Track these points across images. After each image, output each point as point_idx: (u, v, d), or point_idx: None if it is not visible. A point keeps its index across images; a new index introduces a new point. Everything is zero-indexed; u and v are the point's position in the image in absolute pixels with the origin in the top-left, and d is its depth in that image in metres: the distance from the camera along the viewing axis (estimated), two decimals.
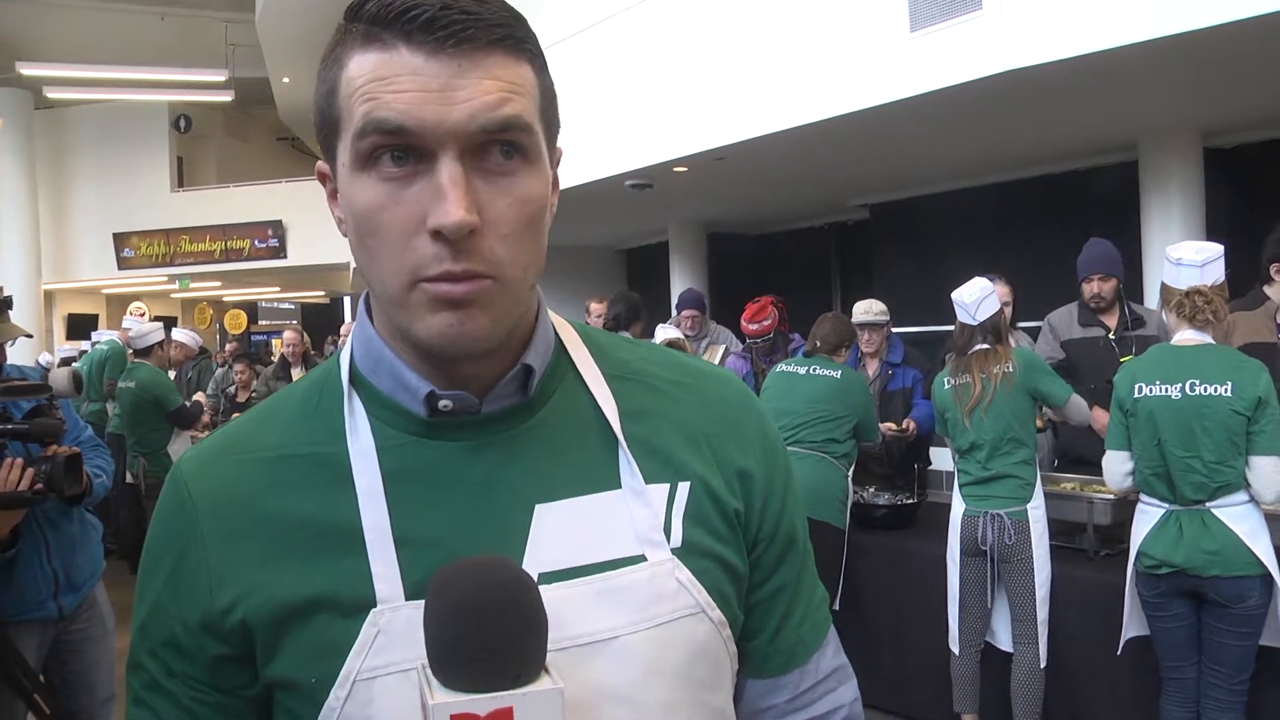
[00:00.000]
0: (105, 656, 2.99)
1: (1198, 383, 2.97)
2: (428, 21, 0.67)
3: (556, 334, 0.85)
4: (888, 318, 4.95)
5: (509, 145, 0.70)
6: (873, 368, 4.99)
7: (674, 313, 6.99)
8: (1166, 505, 3.05)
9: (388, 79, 0.68)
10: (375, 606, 0.73)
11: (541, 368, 0.81)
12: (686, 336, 6.33)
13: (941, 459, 4.74)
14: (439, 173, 0.68)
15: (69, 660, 2.88)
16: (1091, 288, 4.31)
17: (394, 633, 0.72)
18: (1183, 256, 3.11)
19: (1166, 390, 3.03)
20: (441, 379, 0.77)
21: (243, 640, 0.76)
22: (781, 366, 4.43)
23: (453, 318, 0.70)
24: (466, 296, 0.70)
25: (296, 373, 7.38)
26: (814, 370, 4.23)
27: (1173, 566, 2.99)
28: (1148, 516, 3.11)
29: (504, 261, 0.71)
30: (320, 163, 0.79)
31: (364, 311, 0.82)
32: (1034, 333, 4.87)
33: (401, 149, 0.69)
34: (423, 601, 0.68)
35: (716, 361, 5.56)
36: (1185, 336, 3.07)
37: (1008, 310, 4.39)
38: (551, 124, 0.77)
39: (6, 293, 3.04)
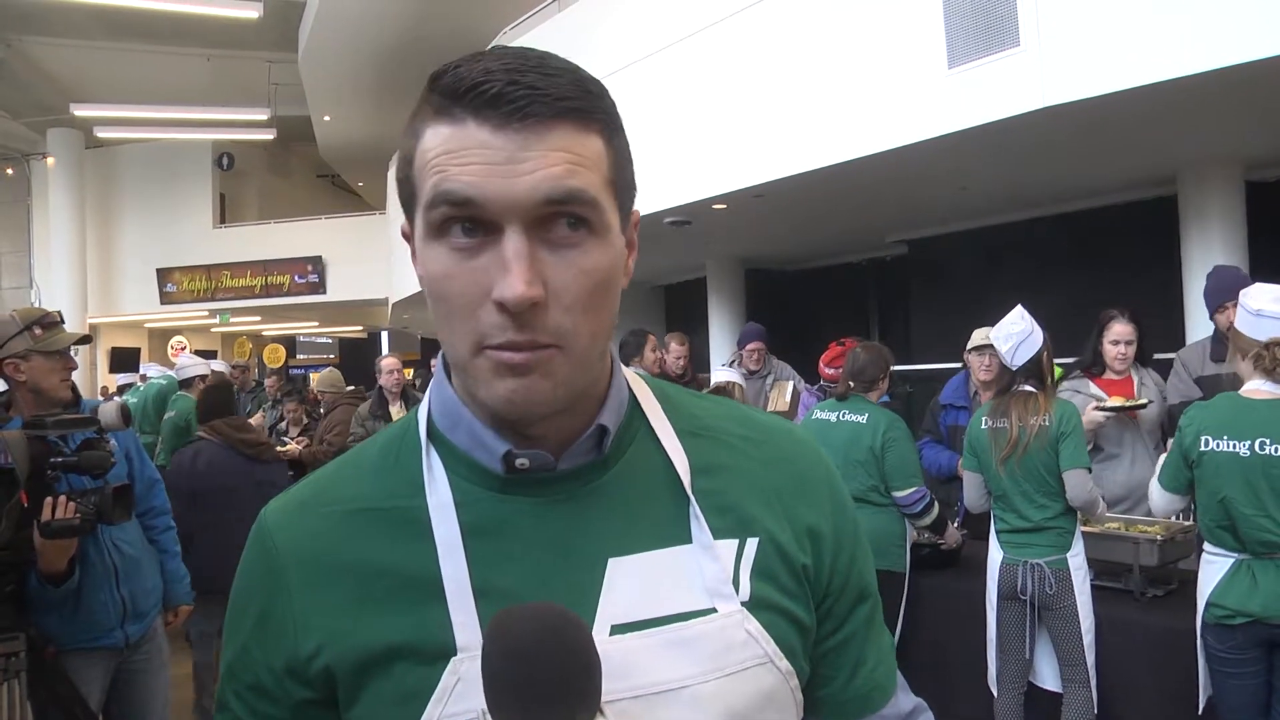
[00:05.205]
0: (162, 688, 3.03)
1: (1267, 442, 2.84)
2: (494, 97, 0.69)
3: (630, 390, 0.87)
4: None
5: (574, 218, 0.71)
6: (988, 399, 4.73)
7: (734, 348, 6.86)
8: (1235, 555, 2.92)
9: (456, 152, 0.70)
10: (455, 655, 0.75)
11: (615, 426, 0.83)
12: (751, 372, 6.18)
13: None
14: (505, 245, 0.70)
15: (127, 691, 2.92)
16: (1226, 317, 3.93)
17: (473, 680, 0.72)
18: (1263, 308, 2.98)
19: (1235, 446, 2.90)
20: (517, 437, 0.79)
21: (326, 685, 0.79)
22: (816, 413, 4.26)
23: (516, 384, 0.72)
24: (527, 363, 0.71)
25: (395, 410, 6.24)
26: (843, 416, 4.07)
27: (1249, 616, 2.85)
28: (1215, 566, 2.96)
29: (569, 331, 0.72)
30: (404, 223, 0.83)
31: (442, 371, 0.86)
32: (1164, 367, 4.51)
33: (469, 221, 0.71)
34: None
35: (787, 398, 5.47)
36: (1256, 388, 2.95)
37: (1130, 349, 4.17)
38: (624, 190, 0.77)
39: None
